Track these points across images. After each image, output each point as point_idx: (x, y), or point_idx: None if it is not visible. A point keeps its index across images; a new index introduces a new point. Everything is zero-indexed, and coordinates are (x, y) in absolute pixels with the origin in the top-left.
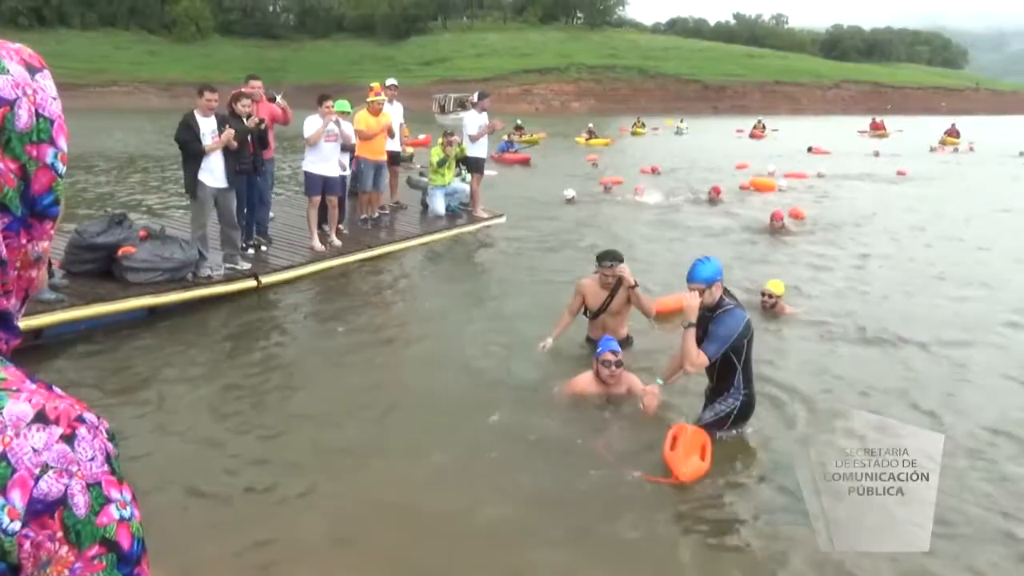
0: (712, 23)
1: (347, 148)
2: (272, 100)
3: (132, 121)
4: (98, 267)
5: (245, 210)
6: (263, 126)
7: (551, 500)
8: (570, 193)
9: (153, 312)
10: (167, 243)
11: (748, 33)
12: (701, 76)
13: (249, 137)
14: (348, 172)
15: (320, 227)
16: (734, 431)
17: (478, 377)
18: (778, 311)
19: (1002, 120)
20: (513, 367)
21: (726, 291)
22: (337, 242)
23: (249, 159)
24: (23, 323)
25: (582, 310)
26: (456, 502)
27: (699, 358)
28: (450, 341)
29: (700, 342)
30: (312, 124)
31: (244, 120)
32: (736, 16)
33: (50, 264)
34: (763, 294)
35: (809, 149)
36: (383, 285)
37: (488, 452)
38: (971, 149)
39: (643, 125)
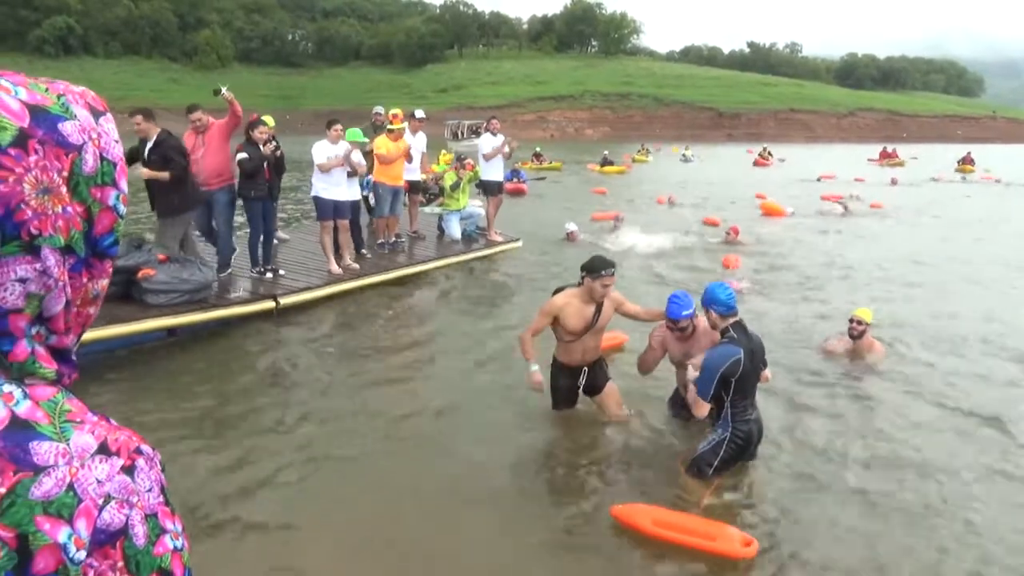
0: (726, 51)
1: (352, 174)
2: (216, 93)
3: None
4: (118, 290)
5: (262, 237)
6: (279, 152)
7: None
8: (571, 227)
9: (172, 333)
10: (186, 265)
11: (762, 61)
12: (715, 104)
13: (265, 164)
14: (360, 197)
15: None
16: (725, 471)
17: (492, 406)
18: (866, 342)
19: (1020, 148)
20: (527, 397)
21: (738, 326)
22: (355, 266)
23: (264, 186)
24: None
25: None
26: (460, 532)
27: (698, 408)
28: (463, 368)
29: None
30: (321, 149)
31: (260, 147)
32: (750, 44)
33: None
34: (851, 320)
35: (819, 179)
36: (398, 308)
37: (499, 483)
38: (997, 180)
39: (647, 152)
